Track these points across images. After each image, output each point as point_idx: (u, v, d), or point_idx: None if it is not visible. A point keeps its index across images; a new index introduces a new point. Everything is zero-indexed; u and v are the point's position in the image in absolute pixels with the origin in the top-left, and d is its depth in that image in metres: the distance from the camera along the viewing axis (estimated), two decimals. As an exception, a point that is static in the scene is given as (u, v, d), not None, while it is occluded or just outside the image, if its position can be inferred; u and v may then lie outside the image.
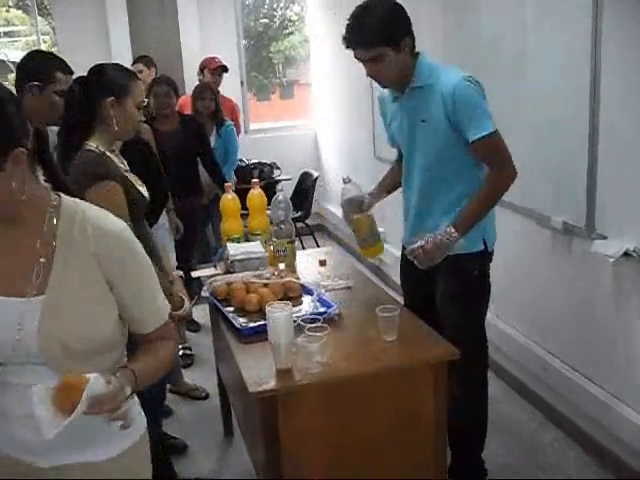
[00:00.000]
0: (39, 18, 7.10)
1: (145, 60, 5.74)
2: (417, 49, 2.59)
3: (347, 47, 2.53)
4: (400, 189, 2.89)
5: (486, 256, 2.70)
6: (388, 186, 2.98)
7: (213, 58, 5.66)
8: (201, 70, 5.64)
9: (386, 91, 2.75)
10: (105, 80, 2.29)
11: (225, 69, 5.59)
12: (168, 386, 3.85)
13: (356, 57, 2.54)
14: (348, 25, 2.50)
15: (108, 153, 2.30)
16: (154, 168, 3.52)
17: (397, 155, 2.96)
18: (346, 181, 2.85)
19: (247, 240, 3.17)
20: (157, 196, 3.45)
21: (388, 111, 2.80)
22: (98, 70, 2.33)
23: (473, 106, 2.47)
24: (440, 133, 2.53)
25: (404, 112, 2.66)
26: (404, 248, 2.82)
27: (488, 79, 3.55)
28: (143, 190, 2.43)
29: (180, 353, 4.37)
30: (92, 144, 2.27)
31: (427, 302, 2.75)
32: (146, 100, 2.56)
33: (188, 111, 5.05)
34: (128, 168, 2.42)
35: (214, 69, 5.53)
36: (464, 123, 2.48)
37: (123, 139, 2.49)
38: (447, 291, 2.69)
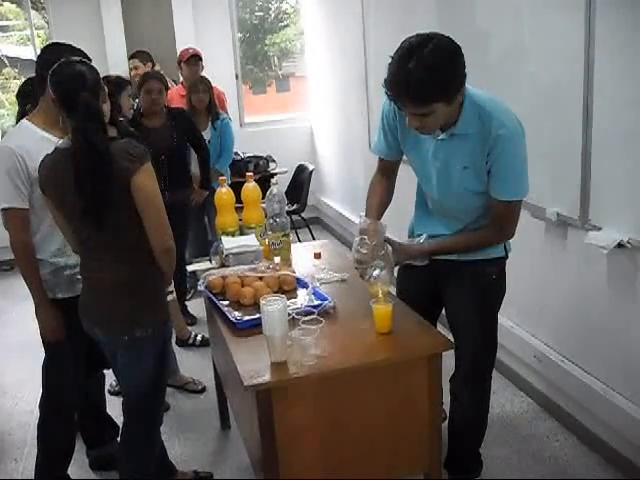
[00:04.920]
0: (33, 12, 7.06)
1: (141, 56, 5.73)
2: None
3: (391, 99, 2.24)
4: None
5: (504, 261, 2.65)
6: (379, 214, 2.65)
7: (187, 49, 5.59)
8: (179, 65, 5.56)
9: None
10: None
11: (199, 57, 5.46)
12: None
13: (397, 106, 2.30)
14: (394, 74, 2.15)
15: None
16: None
17: (381, 168, 2.72)
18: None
19: (242, 233, 3.18)
20: None
21: (407, 132, 2.45)
22: (89, 69, 2.33)
23: (514, 165, 2.31)
24: (481, 179, 2.37)
25: (439, 152, 2.42)
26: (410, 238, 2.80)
27: (482, 74, 3.57)
28: None
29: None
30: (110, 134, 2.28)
31: (420, 296, 2.71)
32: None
33: (174, 104, 5.04)
34: None
35: (187, 60, 5.44)
36: (498, 178, 2.33)
37: None
38: (463, 296, 2.62)
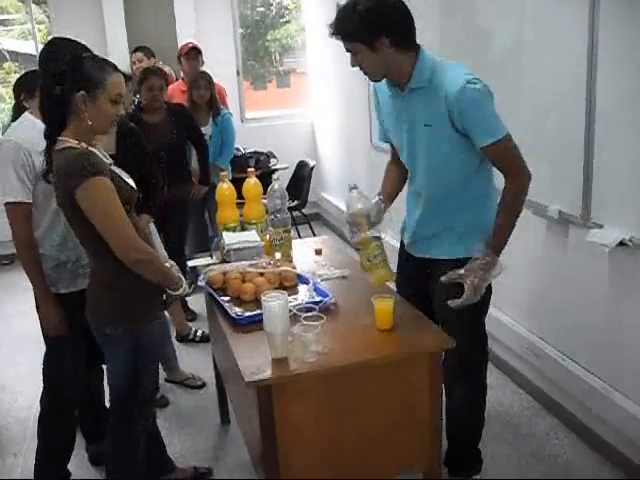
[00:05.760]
0: (34, 6, 7.04)
1: (145, 50, 5.74)
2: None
3: (331, 34, 2.46)
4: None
5: None
6: (391, 196, 2.76)
7: (186, 43, 5.57)
8: (178, 59, 5.54)
9: (383, 83, 2.56)
10: (79, 73, 2.22)
11: (198, 51, 5.44)
12: (164, 375, 3.87)
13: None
14: (336, 14, 2.44)
15: (91, 148, 2.27)
16: (148, 157, 3.52)
17: (391, 155, 2.82)
18: (351, 187, 2.57)
19: (243, 229, 3.17)
20: (150, 185, 3.41)
21: (384, 106, 2.67)
22: (74, 61, 2.26)
23: (480, 111, 2.35)
24: (445, 139, 2.42)
25: (403, 113, 2.52)
26: (403, 243, 2.81)
27: (485, 71, 3.55)
28: (131, 182, 2.42)
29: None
30: (72, 140, 2.23)
31: (418, 298, 2.67)
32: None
33: (175, 100, 5.03)
34: (112, 161, 2.40)
35: (187, 53, 5.42)
36: (472, 130, 2.37)
37: (100, 134, 2.43)
38: (445, 295, 2.53)
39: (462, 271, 2.43)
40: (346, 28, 2.38)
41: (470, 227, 2.56)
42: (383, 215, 2.62)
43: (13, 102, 3.12)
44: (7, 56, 7.58)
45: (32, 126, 2.58)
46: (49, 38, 3.18)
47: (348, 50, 2.44)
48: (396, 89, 2.51)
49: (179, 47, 5.73)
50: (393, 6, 2.38)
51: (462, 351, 2.60)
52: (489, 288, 2.62)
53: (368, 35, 2.35)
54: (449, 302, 2.44)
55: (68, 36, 2.77)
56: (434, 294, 2.66)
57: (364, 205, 2.53)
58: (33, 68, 2.79)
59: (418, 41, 2.46)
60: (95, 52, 2.55)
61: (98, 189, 2.18)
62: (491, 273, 2.43)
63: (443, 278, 2.47)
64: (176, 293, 2.46)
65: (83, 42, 2.68)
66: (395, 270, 2.73)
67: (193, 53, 5.41)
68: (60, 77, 2.23)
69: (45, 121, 2.31)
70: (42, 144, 2.36)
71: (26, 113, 2.74)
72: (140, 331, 2.43)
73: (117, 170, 2.38)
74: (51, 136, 2.26)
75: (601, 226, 2.85)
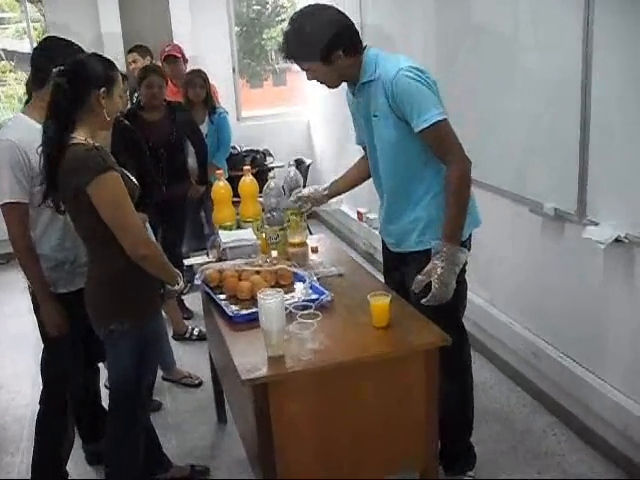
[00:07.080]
0: (29, 5, 7.02)
1: (140, 50, 5.72)
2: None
3: (285, 58, 2.59)
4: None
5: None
6: (345, 184, 3.22)
7: (164, 49, 5.56)
8: (162, 63, 5.50)
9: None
10: (93, 71, 2.27)
11: (174, 57, 5.42)
12: (161, 374, 3.87)
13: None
14: (283, 39, 2.56)
15: (97, 144, 2.29)
16: (144, 155, 3.52)
17: (364, 152, 2.94)
18: (291, 164, 2.89)
19: (239, 227, 3.17)
20: (145, 184, 3.41)
21: (353, 110, 2.81)
22: (81, 62, 2.30)
23: (413, 96, 2.41)
24: (390, 126, 2.51)
25: (360, 108, 2.66)
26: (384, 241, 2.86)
27: (479, 67, 3.57)
28: (134, 179, 2.44)
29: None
30: (80, 138, 2.25)
31: (401, 291, 2.66)
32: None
33: (171, 97, 5.03)
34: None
35: (164, 60, 5.42)
36: (408, 116, 2.44)
37: (105, 130, 2.47)
38: (420, 291, 2.51)
39: (425, 269, 2.46)
40: (301, 52, 2.51)
41: (434, 218, 2.56)
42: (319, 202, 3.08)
43: (13, 102, 3.10)
44: (2, 55, 7.56)
45: (27, 126, 2.56)
46: (42, 37, 3.15)
47: (303, 69, 2.57)
48: (353, 88, 2.64)
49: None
50: (338, 21, 2.51)
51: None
52: (463, 281, 2.64)
53: (325, 53, 2.46)
54: (422, 301, 2.45)
55: (62, 36, 2.76)
56: (409, 287, 2.65)
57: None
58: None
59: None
60: (90, 52, 2.56)
61: (107, 184, 2.21)
62: (455, 262, 2.44)
63: (413, 287, 2.50)
64: (174, 288, 2.51)
65: (79, 41, 2.68)
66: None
67: (170, 59, 5.42)
68: (73, 76, 2.24)
69: (54, 120, 2.28)
70: (36, 143, 2.35)
71: (18, 113, 2.72)
72: (145, 325, 2.46)
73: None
74: (62, 135, 2.25)
75: (596, 223, 2.85)
